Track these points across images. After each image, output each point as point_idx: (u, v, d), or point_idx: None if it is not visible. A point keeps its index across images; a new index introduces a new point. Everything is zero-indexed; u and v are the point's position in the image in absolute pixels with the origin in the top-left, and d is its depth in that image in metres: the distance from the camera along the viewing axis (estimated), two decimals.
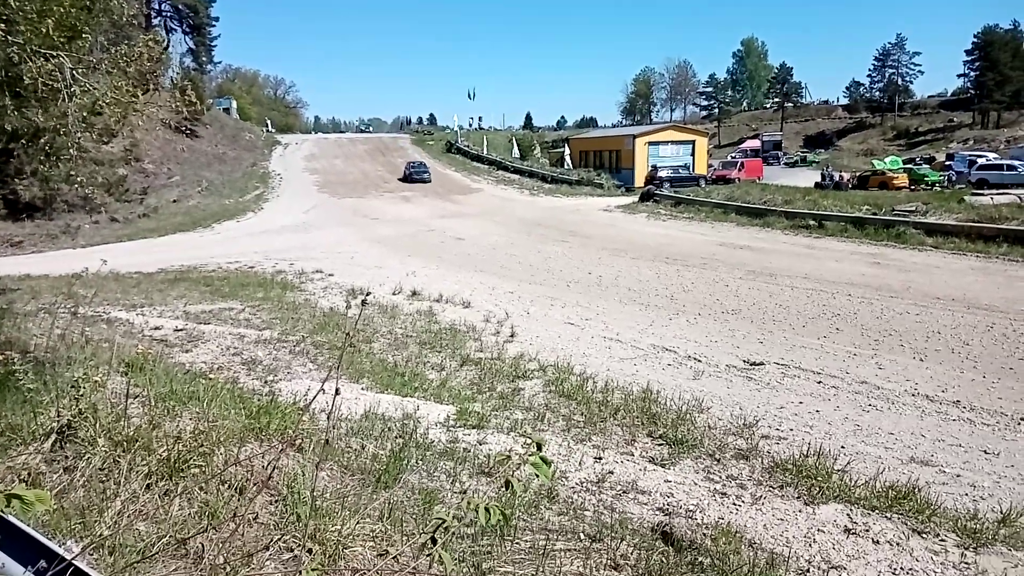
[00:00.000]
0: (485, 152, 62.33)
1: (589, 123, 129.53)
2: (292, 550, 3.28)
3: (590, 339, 11.68)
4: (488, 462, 5.29)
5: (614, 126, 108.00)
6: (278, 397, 6.37)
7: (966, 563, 4.53)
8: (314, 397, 2.95)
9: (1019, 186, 34.63)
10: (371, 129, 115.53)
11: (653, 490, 5.34)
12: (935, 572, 4.41)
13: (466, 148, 64.13)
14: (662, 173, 45.03)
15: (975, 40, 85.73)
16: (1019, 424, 7.68)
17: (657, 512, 4.99)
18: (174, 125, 39.62)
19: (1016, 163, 41.93)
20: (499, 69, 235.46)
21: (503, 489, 2.58)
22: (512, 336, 11.61)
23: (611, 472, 5.63)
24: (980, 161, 44.79)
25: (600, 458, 5.95)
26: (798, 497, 5.32)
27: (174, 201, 39.42)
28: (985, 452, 6.92)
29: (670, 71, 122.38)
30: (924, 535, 4.88)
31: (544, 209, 37.48)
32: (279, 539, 3.32)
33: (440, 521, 2.16)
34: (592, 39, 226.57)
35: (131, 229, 31.77)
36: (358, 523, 3.52)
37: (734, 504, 5.19)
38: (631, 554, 4.02)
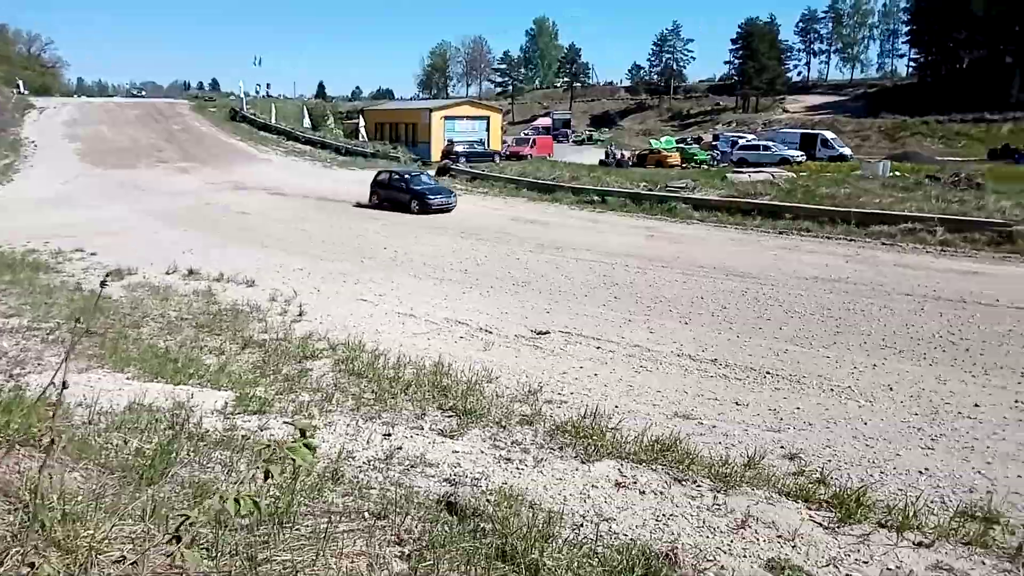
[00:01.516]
0: (273, 121, 59.21)
1: (385, 95, 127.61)
2: (32, 563, 2.93)
3: (383, 315, 11.59)
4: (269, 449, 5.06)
5: (411, 99, 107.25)
6: (25, 392, 5.66)
7: (717, 505, 5.04)
8: (44, 390, 2.63)
9: (773, 165, 39.00)
10: (144, 94, 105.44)
11: (441, 462, 5.41)
12: (691, 515, 4.86)
13: (252, 116, 60.46)
14: (458, 148, 45.52)
15: (739, 30, 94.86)
16: (764, 377, 8.69)
17: (444, 483, 5.06)
18: None
19: (771, 144, 47.11)
20: (289, 35, 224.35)
21: (280, 476, 2.45)
22: (300, 315, 11.22)
23: (400, 448, 5.62)
24: (741, 142, 49.81)
25: (389, 435, 5.93)
26: (575, 456, 5.63)
27: None
28: (737, 403, 7.76)
29: (466, 46, 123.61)
30: (684, 482, 5.36)
31: (337, 181, 36.39)
32: (16, 551, 2.95)
33: (184, 518, 2.01)
34: (388, 8, 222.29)
35: None
36: (115, 525, 3.21)
37: (517, 468, 5.38)
38: (415, 528, 4.03)
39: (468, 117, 54.59)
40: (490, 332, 10.58)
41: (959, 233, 18.81)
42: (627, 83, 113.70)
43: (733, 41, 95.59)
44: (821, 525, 4.85)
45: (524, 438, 6.05)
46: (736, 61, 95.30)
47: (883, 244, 18.82)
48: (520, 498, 4.73)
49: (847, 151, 49.31)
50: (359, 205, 27.42)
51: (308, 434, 2.87)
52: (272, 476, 2.62)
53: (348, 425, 6.08)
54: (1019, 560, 4.55)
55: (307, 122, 63.80)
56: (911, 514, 4.96)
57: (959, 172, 31.19)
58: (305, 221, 22.94)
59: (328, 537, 3.69)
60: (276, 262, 15.98)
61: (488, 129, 54.87)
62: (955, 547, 4.69)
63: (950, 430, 7.13)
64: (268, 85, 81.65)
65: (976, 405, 7.89)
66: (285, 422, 5.96)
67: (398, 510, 4.24)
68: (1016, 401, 8.04)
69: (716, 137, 60.16)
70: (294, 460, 2.48)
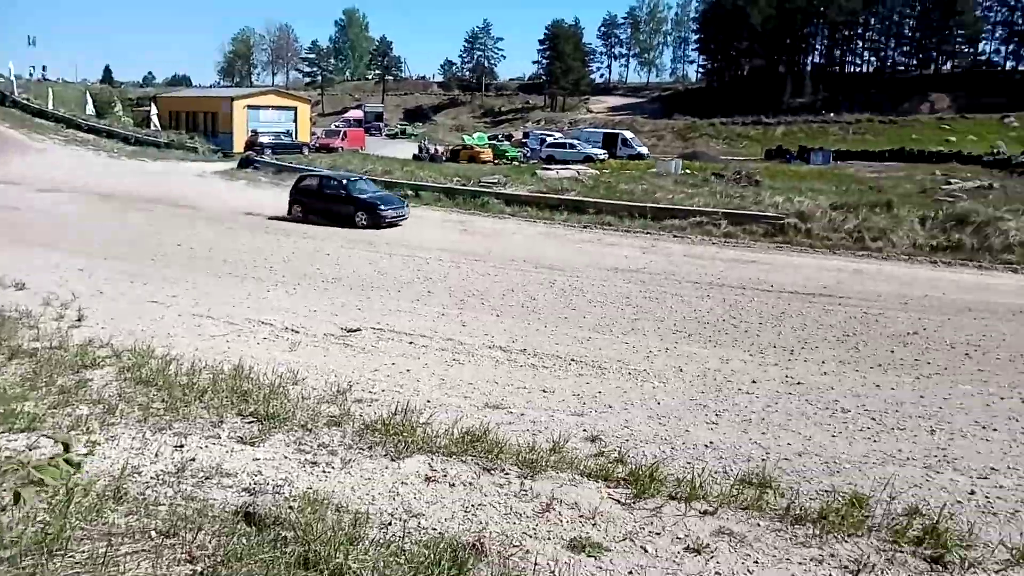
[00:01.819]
0: (51, 107, 53.25)
1: (182, 81, 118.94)
2: None
3: (177, 317, 10.77)
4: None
5: (211, 87, 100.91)
6: None
7: (524, 490, 5.17)
8: None
9: (578, 162, 40.94)
10: None
11: (240, 471, 5.11)
12: (499, 503, 4.95)
13: (25, 102, 53.99)
14: (263, 139, 43.62)
15: (545, 32, 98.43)
16: (570, 364, 9.06)
17: (243, 493, 4.79)
18: None
19: (576, 143, 49.45)
20: (69, 13, 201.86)
21: (49, 497, 2.17)
22: (80, 320, 10.12)
23: (193, 459, 5.25)
24: (549, 140, 51.86)
25: (182, 446, 5.51)
26: (385, 455, 5.55)
27: None
28: (544, 391, 8.02)
29: (271, 33, 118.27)
30: (493, 472, 5.45)
31: (126, 173, 33.43)
32: None
33: None
34: None
35: None
36: None
37: (324, 472, 5.22)
38: (209, 543, 3.78)
39: (274, 107, 52.31)
40: (296, 332, 10.18)
41: (740, 225, 20.75)
42: (440, 78, 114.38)
43: (541, 42, 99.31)
44: (619, 502, 5.12)
45: (331, 440, 5.87)
46: (544, 61, 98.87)
47: (675, 236, 20.32)
48: (326, 502, 4.58)
49: (644, 150, 52.96)
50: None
51: (72, 448, 2.60)
52: (23, 500, 2.33)
53: (134, 438, 5.58)
54: (788, 519, 5.07)
55: (90, 109, 58.01)
56: (698, 485, 5.36)
57: (740, 170, 34.51)
58: (87, 216, 20.86)
59: (108, 562, 3.37)
60: (52, 261, 14.34)
61: (296, 120, 52.94)
62: (735, 512, 5.13)
63: (732, 405, 7.82)
64: (44, 67, 73.42)
65: (754, 381, 8.71)
66: (43, 436, 5.34)
67: (190, 526, 3.95)
68: (787, 376, 8.97)
69: (526, 135, 62.11)
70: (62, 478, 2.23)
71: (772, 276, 15.33)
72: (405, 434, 5.86)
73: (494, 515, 4.77)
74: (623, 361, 9.25)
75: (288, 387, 7.24)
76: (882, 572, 4.47)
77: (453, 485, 5.15)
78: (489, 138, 59.88)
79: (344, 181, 22.62)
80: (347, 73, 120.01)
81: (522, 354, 9.41)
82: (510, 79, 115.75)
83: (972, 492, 5.93)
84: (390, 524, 4.41)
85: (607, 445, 6.36)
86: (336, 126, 61.01)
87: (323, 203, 21.74)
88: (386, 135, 72.10)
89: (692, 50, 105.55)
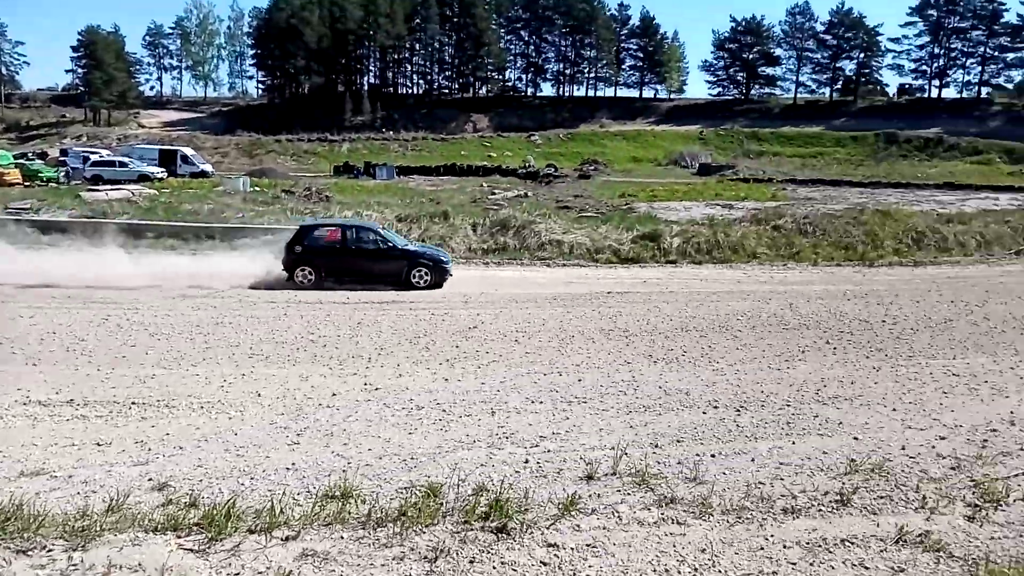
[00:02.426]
0: None
1: None
2: None
3: None
4: None
5: None
6: None
7: (73, 565, 4.47)
8: None
9: (132, 182, 37.20)
10: None
11: None
12: None
13: None
14: None
15: (80, 38, 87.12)
16: (130, 409, 8.04)
17: None
18: None
19: (127, 160, 44.77)
20: None
21: None
22: None
23: None
24: (94, 158, 46.08)
25: None
26: None
27: None
28: (98, 444, 7.01)
29: None
30: (31, 552, 4.61)
31: None
32: None
33: None
34: None
35: None
36: None
37: None
38: None
39: None
40: None
41: None
42: None
43: (74, 49, 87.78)
44: (192, 550, 4.73)
45: None
46: (80, 71, 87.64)
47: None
48: None
49: (208, 167, 50.25)
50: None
51: None
52: None
53: None
54: (370, 524, 5.21)
55: None
56: (279, 511, 5.21)
57: (311, 186, 34.90)
58: None
59: None
60: None
61: None
62: (319, 530, 5.11)
63: (313, 422, 7.78)
64: None
65: (334, 394, 8.77)
66: None
67: None
68: (365, 383, 9.23)
69: (65, 152, 54.28)
70: None
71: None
72: None
73: None
74: (194, 395, 8.56)
75: None
76: (456, 553, 4.86)
77: None
78: (16, 156, 50.83)
79: (380, 231, 17.73)
80: None
81: (68, 406, 8.08)
82: (39, 89, 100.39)
83: (527, 461, 6.76)
84: None
85: (177, 491, 5.81)
86: None
87: (351, 261, 16.80)
88: None
89: (250, 65, 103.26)
